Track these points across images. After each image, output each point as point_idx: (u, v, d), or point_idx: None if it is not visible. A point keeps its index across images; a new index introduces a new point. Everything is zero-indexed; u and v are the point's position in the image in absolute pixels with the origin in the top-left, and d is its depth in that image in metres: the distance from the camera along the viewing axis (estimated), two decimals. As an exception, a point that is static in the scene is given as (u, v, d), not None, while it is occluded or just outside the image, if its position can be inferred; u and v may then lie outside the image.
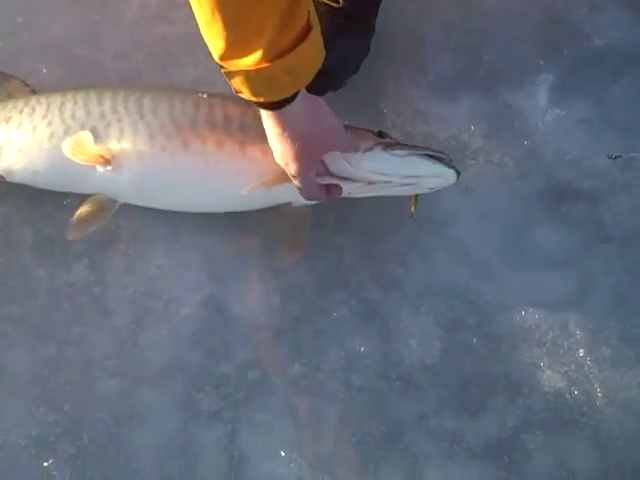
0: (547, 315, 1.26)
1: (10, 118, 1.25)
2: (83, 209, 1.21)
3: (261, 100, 1.02)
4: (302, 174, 1.12)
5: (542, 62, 1.47)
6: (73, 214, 1.21)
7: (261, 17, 0.92)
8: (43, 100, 1.26)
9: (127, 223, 1.29)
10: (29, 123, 1.24)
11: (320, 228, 1.31)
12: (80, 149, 1.18)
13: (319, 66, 1.02)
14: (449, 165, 1.21)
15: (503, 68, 1.47)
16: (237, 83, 0.99)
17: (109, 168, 1.20)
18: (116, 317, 1.23)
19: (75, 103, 1.24)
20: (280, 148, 1.10)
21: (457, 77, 1.46)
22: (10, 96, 1.30)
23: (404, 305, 1.27)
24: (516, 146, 1.41)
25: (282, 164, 1.12)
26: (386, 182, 1.21)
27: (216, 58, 0.98)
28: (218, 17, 0.92)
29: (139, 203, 1.26)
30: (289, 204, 1.26)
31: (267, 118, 1.07)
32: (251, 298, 1.26)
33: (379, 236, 1.32)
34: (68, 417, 1.17)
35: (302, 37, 0.96)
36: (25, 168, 1.24)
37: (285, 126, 1.07)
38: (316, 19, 1.00)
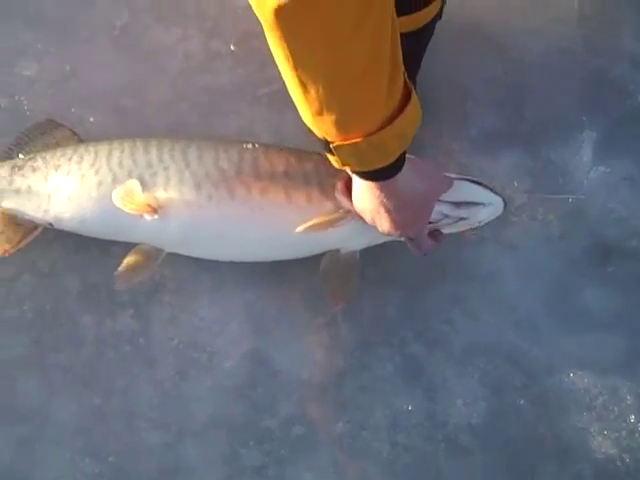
0: (596, 378, 1.29)
1: (59, 166, 1.31)
2: (129, 259, 1.25)
3: (369, 169, 1.04)
4: (416, 235, 1.16)
5: (585, 118, 1.51)
6: (119, 263, 1.25)
7: (369, 95, 0.95)
8: (91, 148, 1.32)
9: (172, 273, 1.34)
10: (77, 171, 1.29)
11: (362, 281, 1.34)
12: (129, 198, 1.23)
13: (419, 124, 1.04)
14: (496, 192, 1.29)
15: (546, 124, 1.51)
16: (345, 156, 1.01)
17: (156, 217, 1.24)
18: (160, 368, 1.27)
19: (122, 151, 1.30)
20: (390, 218, 1.12)
21: (499, 132, 1.50)
22: (59, 144, 1.36)
23: (449, 363, 1.30)
24: (560, 203, 1.44)
25: (395, 234, 1.14)
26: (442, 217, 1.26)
27: (322, 137, 1.00)
28: (326, 108, 0.94)
29: (184, 252, 1.30)
30: (337, 251, 1.29)
31: (376, 191, 1.09)
32: (295, 352, 1.30)
33: (422, 291, 1.36)
34: (113, 469, 1.20)
35: (406, 100, 1.00)
36: (73, 216, 1.29)
37: (400, 194, 1.09)
38: (410, 81, 1.03)
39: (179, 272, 1.34)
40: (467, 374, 1.29)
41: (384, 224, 1.13)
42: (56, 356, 1.27)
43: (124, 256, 1.27)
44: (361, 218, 1.18)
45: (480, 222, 1.30)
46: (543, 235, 1.42)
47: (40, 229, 1.30)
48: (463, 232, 1.33)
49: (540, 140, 1.50)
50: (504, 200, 1.30)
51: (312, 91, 0.93)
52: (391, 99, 0.97)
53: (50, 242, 1.35)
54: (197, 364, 1.28)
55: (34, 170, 1.31)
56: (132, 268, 1.25)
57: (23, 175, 1.31)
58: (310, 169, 1.26)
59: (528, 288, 1.37)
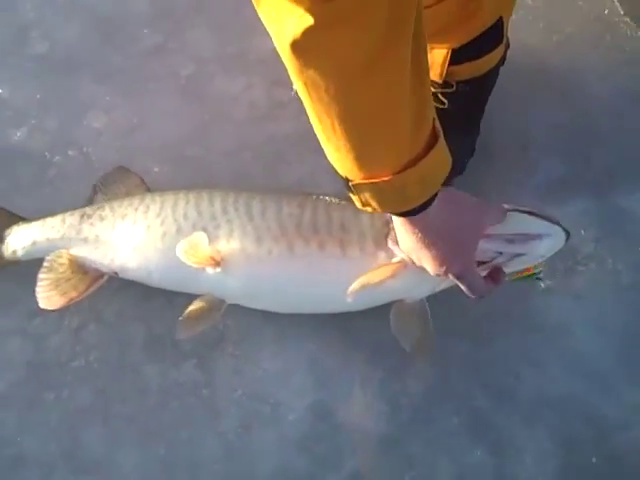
0: (674, 435, 1.26)
1: (126, 215, 1.34)
2: (192, 308, 1.27)
3: (390, 211, 1.05)
4: (466, 271, 1.11)
5: (654, 164, 1.48)
6: (183, 313, 1.28)
7: (386, 136, 0.96)
8: (157, 198, 1.35)
9: (234, 323, 1.35)
10: (143, 221, 1.33)
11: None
12: (193, 251, 1.26)
13: (447, 173, 1.04)
14: (554, 221, 1.21)
15: (614, 171, 1.50)
16: (365, 196, 1.02)
17: (218, 270, 1.27)
18: (224, 419, 1.28)
19: (187, 202, 1.32)
20: (431, 255, 1.10)
21: (565, 179, 1.50)
22: (128, 193, 1.40)
23: (516, 417, 1.28)
24: (630, 252, 1.43)
25: (440, 272, 1.11)
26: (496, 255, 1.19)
27: (343, 175, 1.02)
28: (343, 144, 0.95)
29: (246, 304, 1.32)
30: (401, 302, 1.28)
31: (410, 226, 1.08)
32: (359, 404, 1.30)
33: (487, 342, 1.35)
34: (176, 520, 1.22)
35: (430, 145, 0.99)
36: (138, 266, 1.32)
37: (435, 226, 1.07)
38: (440, 127, 1.03)
39: (242, 323, 1.35)
40: (536, 429, 1.27)
41: (426, 262, 1.12)
42: (120, 406, 1.29)
43: (188, 306, 1.29)
44: (414, 263, 1.17)
45: (542, 257, 1.22)
46: (612, 284, 1.40)
47: (106, 278, 1.33)
48: (528, 271, 1.25)
49: (608, 187, 1.49)
50: (564, 229, 1.20)
51: (329, 126, 0.94)
52: (414, 142, 0.98)
53: (116, 291, 1.38)
54: (260, 416, 1.28)
55: (102, 219, 1.35)
56: (194, 317, 1.27)
57: (91, 224, 1.35)
58: (366, 221, 1.27)
59: (597, 339, 1.35)
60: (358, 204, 1.04)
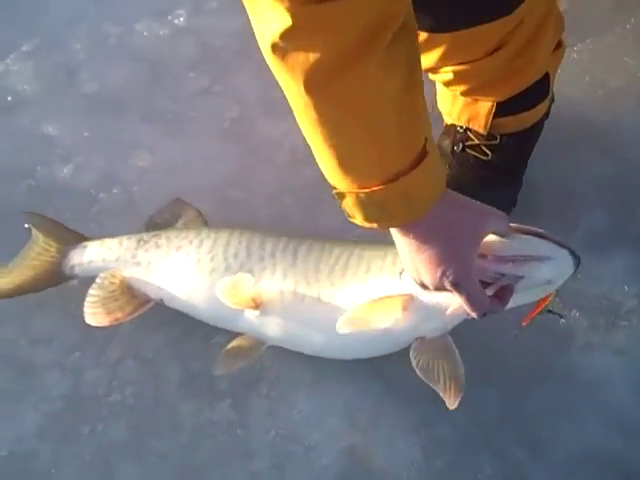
0: None
1: (180, 247, 1.38)
2: (232, 346, 1.30)
3: (375, 226, 1.03)
4: (464, 278, 1.04)
5: (698, 218, 1.48)
6: (220, 351, 1.30)
7: (370, 145, 0.97)
8: (212, 235, 1.39)
9: (271, 365, 1.37)
10: (195, 255, 1.36)
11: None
12: (234, 291, 1.28)
13: (436, 197, 1.01)
14: (561, 244, 1.14)
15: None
16: (348, 206, 1.02)
17: (257, 312, 1.30)
18: (257, 460, 1.29)
19: (239, 242, 1.36)
20: (427, 257, 1.04)
21: (608, 233, 1.50)
22: (185, 225, 1.45)
23: (552, 472, 1.27)
24: (672, 307, 1.43)
25: (437, 277, 1.05)
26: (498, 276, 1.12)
27: (330, 182, 1.03)
28: (328, 150, 0.97)
29: (284, 346, 1.34)
30: (422, 339, 1.27)
31: (401, 233, 1.05)
32: (392, 451, 1.30)
33: (524, 392, 1.34)
34: None
35: (417, 161, 0.98)
36: (184, 297, 1.35)
37: (424, 233, 1.03)
38: (435, 148, 1.02)
39: (279, 364, 1.37)
40: (571, 484, 1.27)
41: (422, 268, 1.05)
42: (154, 443, 1.31)
43: (226, 345, 1.31)
44: (422, 291, 1.15)
45: (550, 283, 1.14)
46: (653, 341, 1.40)
47: (152, 304, 1.37)
48: (542, 305, 1.19)
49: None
50: (572, 252, 1.13)
51: (309, 129, 0.97)
52: (402, 154, 0.97)
53: (155, 329, 1.40)
54: (294, 458, 1.29)
55: (157, 247, 1.39)
56: (233, 355, 1.29)
57: (147, 250, 1.39)
58: (389, 263, 1.28)
59: (637, 396, 1.34)
60: (346, 215, 1.05)
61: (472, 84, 1.34)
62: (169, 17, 1.82)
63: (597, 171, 1.57)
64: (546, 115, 1.50)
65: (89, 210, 1.54)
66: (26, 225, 1.45)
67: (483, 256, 1.10)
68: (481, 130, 1.42)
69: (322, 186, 1.53)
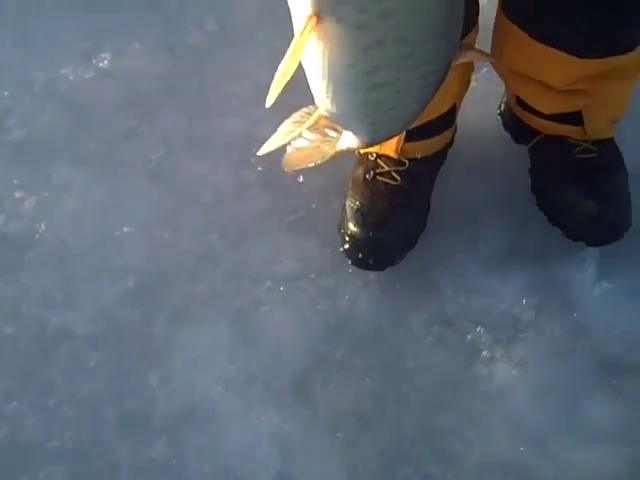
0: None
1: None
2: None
3: None
4: None
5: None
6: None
7: None
8: None
9: (203, 398, 1.35)
10: None
11: (377, 400, 1.35)
12: None
13: None
14: None
15: (552, 241, 1.52)
16: None
17: None
18: (193, 494, 1.28)
19: None
20: None
21: (508, 251, 1.52)
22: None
23: (464, 483, 1.30)
24: (566, 319, 1.45)
25: None
26: None
27: None
28: None
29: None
30: None
31: None
32: (320, 474, 1.30)
33: (436, 408, 1.36)
34: None
35: None
36: None
37: None
38: None
39: (209, 397, 1.35)
40: (482, 492, 1.29)
41: None
42: (92, 486, 1.28)
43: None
44: None
45: None
46: (551, 351, 1.42)
47: None
48: None
49: (547, 257, 1.52)
50: None
51: None
52: None
53: (90, 370, 1.37)
54: (227, 488, 1.28)
55: None
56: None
57: None
58: None
59: (538, 404, 1.37)
60: None
61: None
62: (93, 60, 1.77)
63: (495, 193, 1.57)
64: (450, 143, 1.52)
65: (22, 259, 1.47)
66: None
67: None
68: (392, 154, 1.44)
69: (248, 220, 1.53)
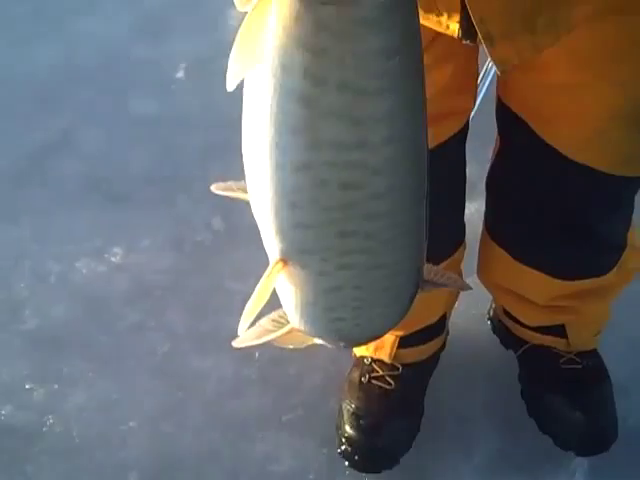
0: None
1: None
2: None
3: None
4: None
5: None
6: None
7: None
8: None
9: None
10: None
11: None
12: None
13: None
14: None
15: (542, 449, 1.54)
16: None
17: None
18: None
19: None
20: None
21: (500, 456, 1.54)
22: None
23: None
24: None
25: None
26: None
27: None
28: None
29: None
30: None
31: None
32: None
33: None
34: None
35: None
36: None
37: None
38: None
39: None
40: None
41: None
42: None
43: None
44: None
45: None
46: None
47: None
48: None
49: (536, 463, 1.54)
50: None
51: None
52: None
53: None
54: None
55: None
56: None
57: None
58: None
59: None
60: None
61: None
62: (106, 255, 1.85)
63: (486, 397, 1.62)
64: (442, 348, 1.58)
65: (29, 451, 1.49)
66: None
67: None
68: (386, 359, 1.50)
69: (248, 417, 1.56)
